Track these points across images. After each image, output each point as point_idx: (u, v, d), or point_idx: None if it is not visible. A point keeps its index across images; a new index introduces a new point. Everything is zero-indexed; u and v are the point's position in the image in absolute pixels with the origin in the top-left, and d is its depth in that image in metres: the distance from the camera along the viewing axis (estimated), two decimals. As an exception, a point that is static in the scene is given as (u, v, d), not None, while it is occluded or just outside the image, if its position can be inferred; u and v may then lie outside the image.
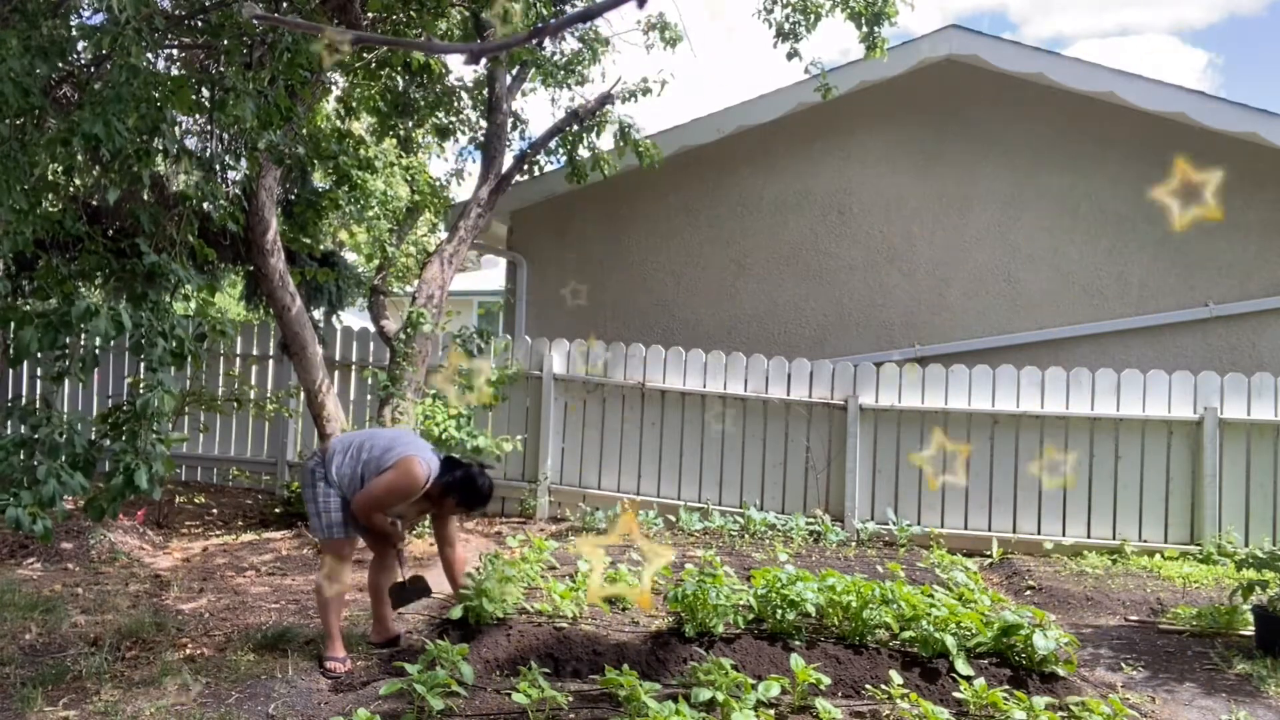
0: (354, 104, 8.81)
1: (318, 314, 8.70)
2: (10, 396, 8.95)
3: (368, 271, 10.82)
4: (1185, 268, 8.50)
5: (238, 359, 8.97)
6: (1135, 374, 7.28)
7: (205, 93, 5.02)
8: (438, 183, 10.05)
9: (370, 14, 7.02)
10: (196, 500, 8.22)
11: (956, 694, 3.85)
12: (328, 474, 4.21)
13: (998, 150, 8.88)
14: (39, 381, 8.91)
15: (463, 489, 4.29)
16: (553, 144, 8.38)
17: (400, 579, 4.45)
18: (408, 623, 4.91)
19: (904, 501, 7.46)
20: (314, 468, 4.27)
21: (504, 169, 8.17)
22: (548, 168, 8.90)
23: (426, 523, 7.01)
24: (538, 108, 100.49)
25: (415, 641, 4.47)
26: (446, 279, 7.76)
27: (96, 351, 4.24)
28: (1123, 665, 4.61)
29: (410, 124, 9.16)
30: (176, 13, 5.45)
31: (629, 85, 8.21)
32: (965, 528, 7.35)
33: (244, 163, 5.43)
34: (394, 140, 9.41)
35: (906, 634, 4.30)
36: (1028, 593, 6.00)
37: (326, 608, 4.25)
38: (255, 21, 4.80)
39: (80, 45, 4.71)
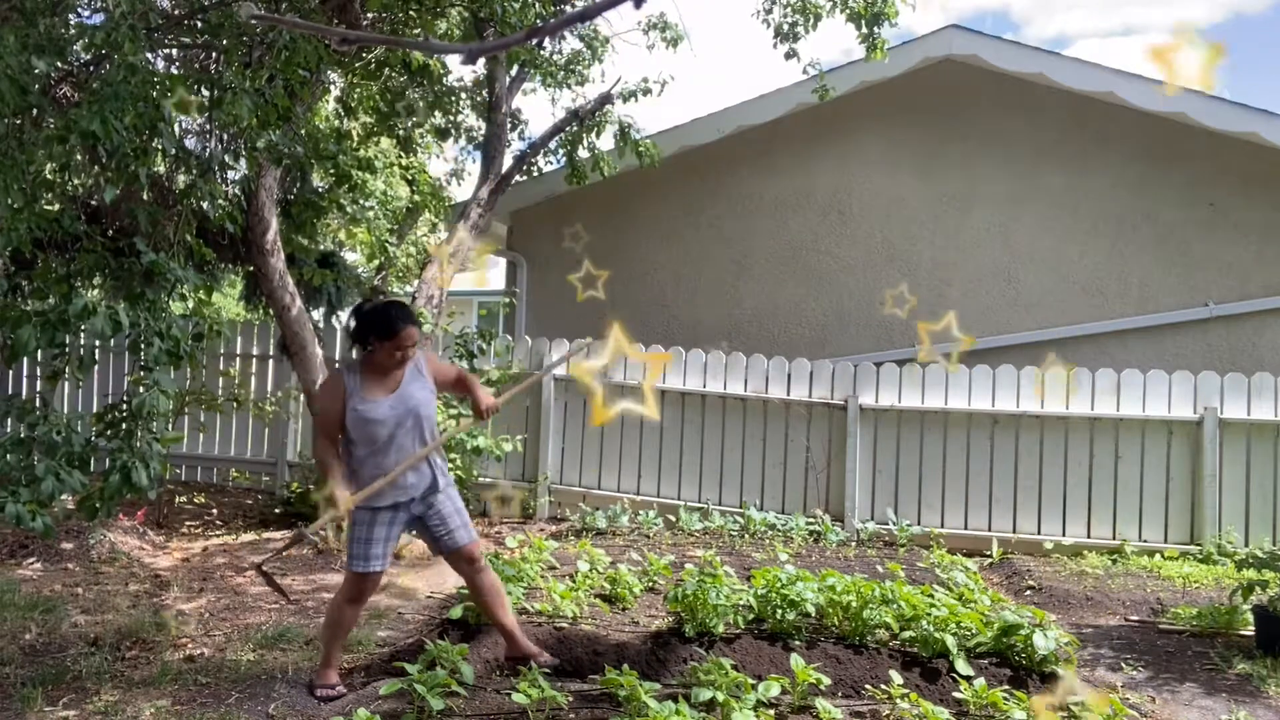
0: (353, 104, 8.80)
1: (317, 314, 8.69)
2: (8, 395, 8.93)
3: (368, 271, 10.82)
4: (1185, 268, 8.49)
5: (237, 359, 8.96)
6: (1135, 374, 7.27)
7: (204, 92, 5.02)
8: (438, 183, 10.05)
9: (370, 14, 7.01)
10: (196, 500, 8.21)
11: (956, 694, 3.84)
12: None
13: (998, 150, 8.87)
14: (37, 381, 8.91)
15: (365, 324, 3.89)
16: (553, 144, 8.38)
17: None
18: (409, 623, 4.90)
19: (904, 501, 7.45)
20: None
21: (504, 169, 8.17)
22: (547, 168, 8.90)
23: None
24: (538, 108, 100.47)
25: (414, 641, 4.46)
26: (447, 279, 7.75)
27: (95, 350, 4.24)
28: (1123, 665, 4.61)
29: (410, 124, 9.16)
30: (175, 12, 5.45)
31: (629, 85, 8.21)
32: (965, 528, 7.35)
33: (243, 162, 5.42)
34: (394, 140, 9.40)
35: (906, 634, 4.29)
36: (1028, 593, 6.00)
37: (334, 634, 3.97)
38: (254, 21, 4.80)
39: (78, 44, 4.70)
